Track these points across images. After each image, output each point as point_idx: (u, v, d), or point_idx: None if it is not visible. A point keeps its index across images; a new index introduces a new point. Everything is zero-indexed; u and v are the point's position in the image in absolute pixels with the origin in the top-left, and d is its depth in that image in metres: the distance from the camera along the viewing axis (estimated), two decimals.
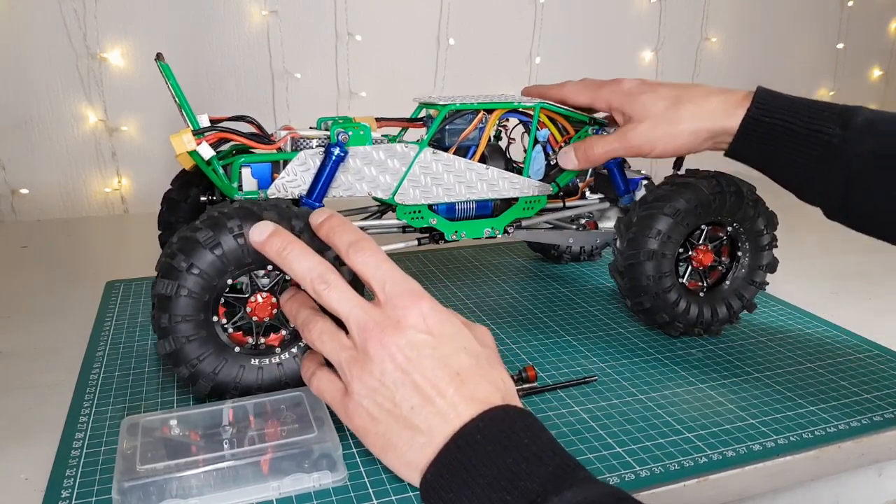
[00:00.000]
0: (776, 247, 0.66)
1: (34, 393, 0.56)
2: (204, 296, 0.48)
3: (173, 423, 0.46)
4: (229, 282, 0.50)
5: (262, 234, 0.47)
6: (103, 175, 1.11)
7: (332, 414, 0.51)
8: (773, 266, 0.66)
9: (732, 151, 0.58)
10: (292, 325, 0.52)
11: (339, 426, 0.50)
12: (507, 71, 1.33)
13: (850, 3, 1.57)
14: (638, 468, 0.46)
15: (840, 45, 1.60)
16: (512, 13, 1.29)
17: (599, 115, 0.68)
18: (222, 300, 0.50)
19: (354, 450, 0.47)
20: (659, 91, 0.60)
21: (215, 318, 0.50)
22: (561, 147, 0.69)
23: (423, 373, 0.41)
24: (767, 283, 0.66)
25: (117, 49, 1.06)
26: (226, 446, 0.44)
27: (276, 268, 0.50)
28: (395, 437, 0.41)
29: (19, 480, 0.46)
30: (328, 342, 0.45)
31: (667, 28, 1.41)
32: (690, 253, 0.65)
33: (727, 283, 0.66)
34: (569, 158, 0.65)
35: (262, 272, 0.51)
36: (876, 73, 1.68)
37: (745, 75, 1.52)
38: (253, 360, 0.51)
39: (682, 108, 0.58)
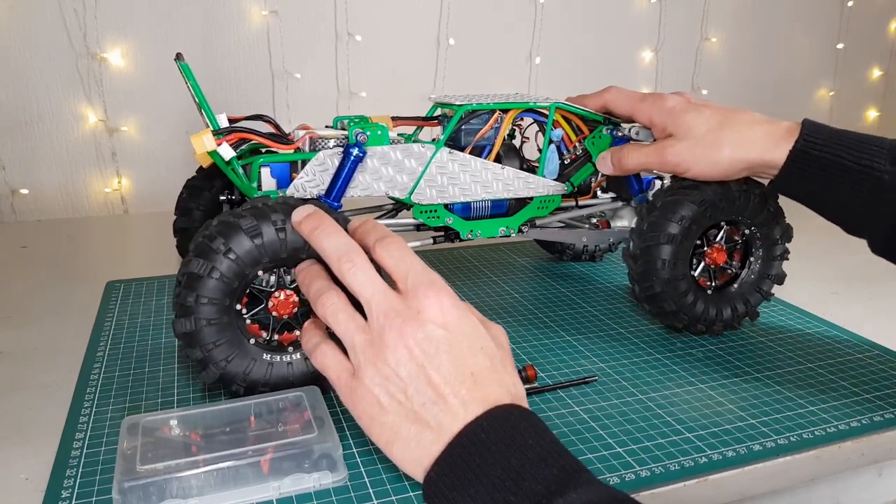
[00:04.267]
0: (787, 259, 0.66)
1: (34, 393, 0.56)
2: (234, 282, 0.48)
3: (173, 423, 0.46)
4: (259, 273, 0.50)
5: (302, 214, 0.48)
6: (103, 175, 1.11)
7: (333, 414, 0.51)
8: (781, 278, 0.66)
9: (778, 185, 0.57)
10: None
11: (340, 426, 0.50)
12: (507, 71, 1.33)
13: (850, 3, 1.57)
14: (638, 468, 0.46)
15: (840, 45, 1.60)
16: (512, 13, 1.29)
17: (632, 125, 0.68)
18: (248, 290, 0.51)
19: (355, 450, 0.47)
20: (703, 112, 0.59)
21: (237, 307, 0.50)
22: (574, 146, 0.69)
23: (439, 369, 0.41)
24: (773, 294, 0.66)
25: (117, 49, 1.06)
26: (226, 446, 0.44)
27: None
28: (402, 430, 0.41)
29: (19, 480, 0.46)
30: (343, 321, 0.44)
31: (667, 28, 1.41)
32: (705, 249, 0.65)
33: (735, 286, 0.66)
34: (605, 164, 0.65)
35: (291, 270, 0.51)
36: (876, 73, 1.68)
37: (745, 75, 1.52)
38: (265, 356, 0.51)
39: (725, 134, 0.57)
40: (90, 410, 0.52)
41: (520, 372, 0.56)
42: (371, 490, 0.44)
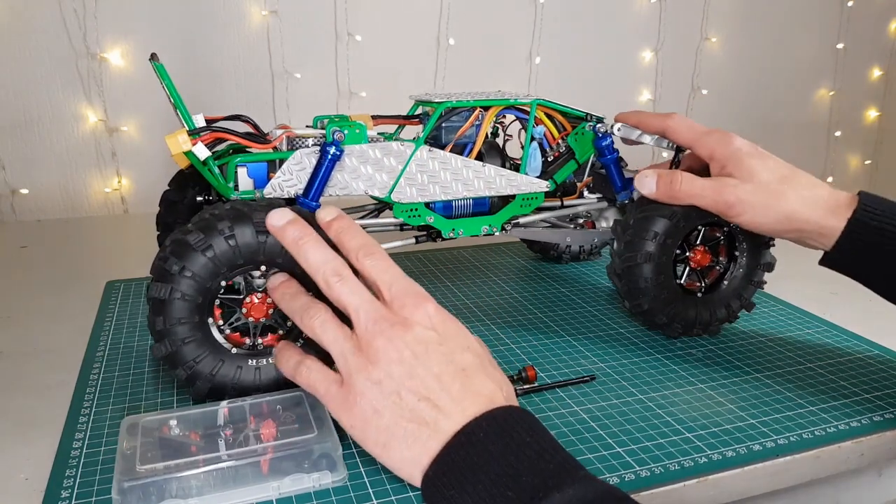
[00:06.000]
0: (773, 245, 0.66)
1: (34, 393, 0.56)
2: (197, 298, 0.48)
3: (173, 423, 0.46)
4: (223, 283, 0.50)
5: (281, 220, 0.47)
6: (103, 175, 1.11)
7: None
8: (770, 265, 0.66)
9: (833, 256, 0.56)
10: (289, 323, 0.52)
11: (339, 426, 0.50)
12: (507, 71, 1.33)
13: (850, 3, 1.57)
14: (638, 468, 0.46)
15: (840, 45, 1.60)
16: (512, 13, 1.29)
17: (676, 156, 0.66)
18: (217, 301, 0.50)
19: (354, 450, 0.47)
20: (768, 161, 0.57)
21: (210, 320, 0.50)
22: (557, 143, 0.69)
23: (430, 368, 0.41)
24: (765, 283, 0.66)
25: (117, 49, 1.06)
26: (225, 446, 0.44)
27: (269, 268, 0.50)
28: (398, 431, 0.41)
29: (19, 480, 0.46)
30: (331, 330, 0.44)
31: (667, 28, 1.41)
32: (688, 254, 0.64)
33: (726, 282, 0.65)
34: (646, 183, 0.60)
35: (257, 273, 0.51)
36: (876, 73, 1.67)
37: (745, 75, 1.52)
38: (250, 361, 0.51)
39: (791, 188, 0.55)
40: (90, 410, 0.52)
41: (520, 372, 0.56)
42: (371, 490, 0.44)
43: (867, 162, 1.73)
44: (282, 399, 0.49)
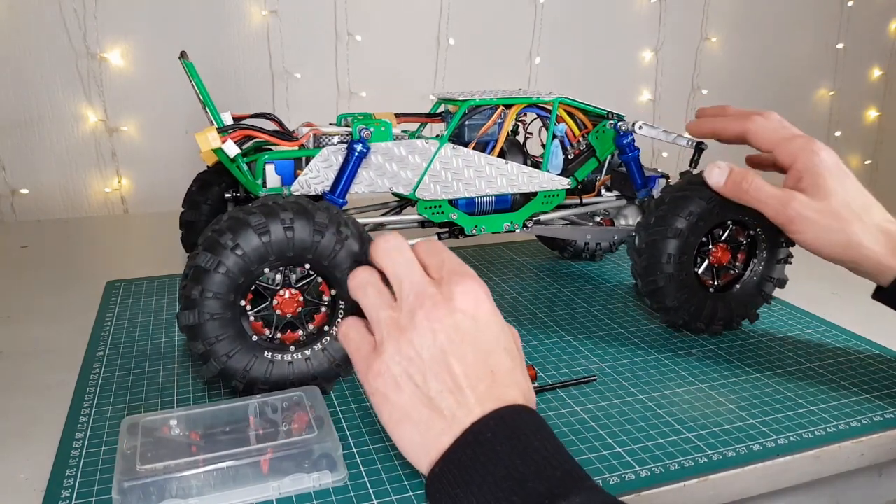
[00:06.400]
0: (790, 263, 0.66)
1: (34, 393, 0.56)
2: (239, 278, 0.48)
3: (173, 423, 0.46)
4: (266, 271, 0.50)
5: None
6: (103, 175, 1.11)
7: (333, 414, 0.51)
8: (783, 282, 0.66)
9: (888, 293, 0.56)
10: (310, 325, 0.52)
11: (340, 426, 0.50)
12: (507, 71, 1.33)
13: (850, 3, 1.57)
14: (638, 468, 0.46)
15: (840, 45, 1.60)
16: (512, 13, 1.30)
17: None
18: (253, 287, 0.51)
19: (355, 450, 0.47)
20: (847, 185, 0.56)
21: (242, 303, 0.50)
22: (578, 141, 0.69)
23: (462, 360, 0.40)
24: (773, 298, 0.66)
25: (117, 49, 1.06)
26: (226, 446, 0.44)
27: (312, 268, 0.51)
28: (414, 413, 0.40)
29: (19, 480, 0.46)
30: (371, 294, 0.43)
31: (667, 28, 1.41)
32: (710, 247, 0.64)
33: (737, 287, 0.65)
34: (716, 174, 0.60)
35: (297, 269, 0.51)
36: (876, 73, 1.68)
37: (745, 75, 1.52)
38: (266, 353, 0.51)
39: (858, 218, 0.55)
40: (90, 410, 0.52)
41: None
42: (371, 490, 0.44)
43: (867, 162, 1.73)
44: (282, 399, 0.49)
